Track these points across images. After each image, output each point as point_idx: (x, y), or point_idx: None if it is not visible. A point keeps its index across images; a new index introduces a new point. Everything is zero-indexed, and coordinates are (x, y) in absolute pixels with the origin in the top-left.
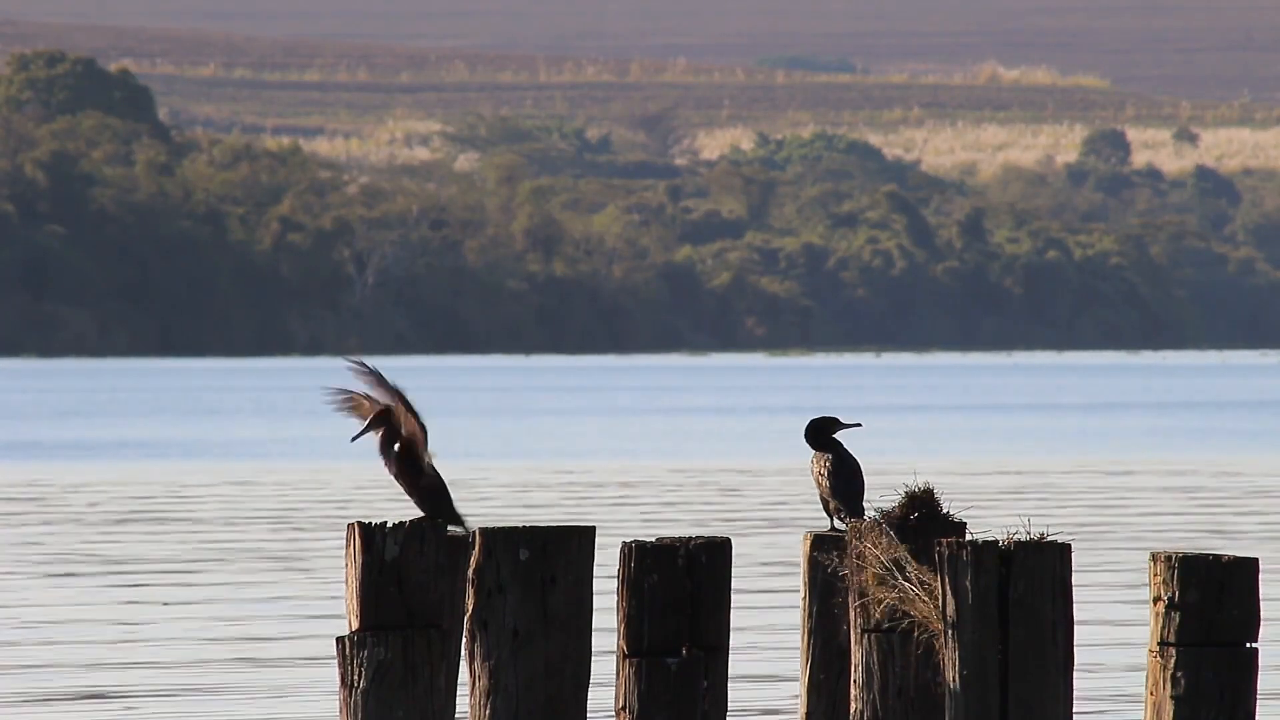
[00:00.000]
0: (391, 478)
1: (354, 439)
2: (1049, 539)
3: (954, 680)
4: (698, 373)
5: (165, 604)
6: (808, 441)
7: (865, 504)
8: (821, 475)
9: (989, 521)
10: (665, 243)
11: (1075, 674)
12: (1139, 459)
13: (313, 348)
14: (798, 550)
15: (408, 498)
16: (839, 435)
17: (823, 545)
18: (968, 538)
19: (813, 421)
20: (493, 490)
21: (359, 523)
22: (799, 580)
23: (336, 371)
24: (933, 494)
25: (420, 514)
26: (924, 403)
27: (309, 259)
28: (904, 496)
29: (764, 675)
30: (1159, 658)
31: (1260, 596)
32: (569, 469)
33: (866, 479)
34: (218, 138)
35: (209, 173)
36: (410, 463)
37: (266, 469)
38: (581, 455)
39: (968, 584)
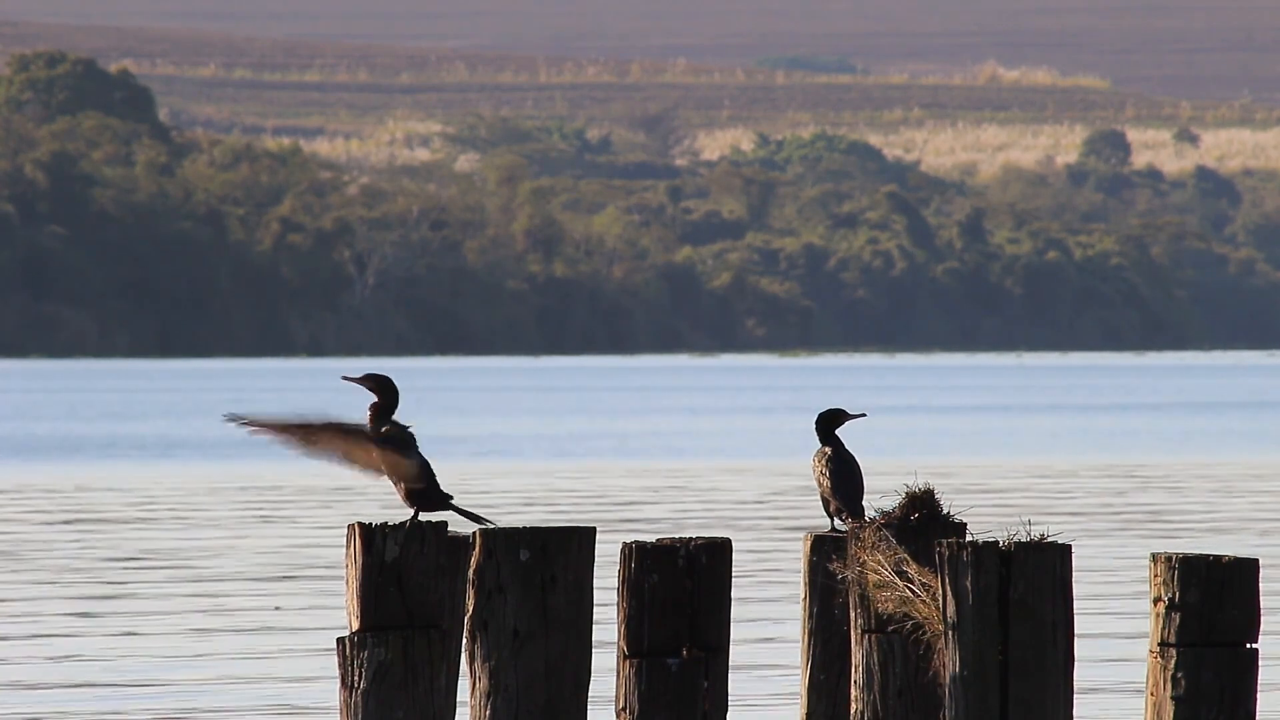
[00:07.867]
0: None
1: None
2: (1049, 540)
3: (954, 680)
4: (699, 373)
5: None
6: (818, 433)
7: (865, 504)
8: (823, 475)
9: (990, 522)
10: (665, 243)
11: (1075, 674)
12: (1139, 459)
13: (313, 348)
14: (798, 550)
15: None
16: (847, 425)
17: (823, 546)
18: (968, 538)
19: (820, 414)
20: (494, 491)
21: (359, 523)
22: (799, 581)
23: (336, 373)
24: (933, 494)
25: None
26: (924, 403)
27: (309, 259)
28: (904, 497)
29: (764, 676)
30: (1159, 658)
31: (1260, 597)
32: (569, 469)
33: (867, 479)
34: (218, 138)
35: (209, 173)
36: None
37: (265, 469)
38: (581, 456)
39: (968, 584)
